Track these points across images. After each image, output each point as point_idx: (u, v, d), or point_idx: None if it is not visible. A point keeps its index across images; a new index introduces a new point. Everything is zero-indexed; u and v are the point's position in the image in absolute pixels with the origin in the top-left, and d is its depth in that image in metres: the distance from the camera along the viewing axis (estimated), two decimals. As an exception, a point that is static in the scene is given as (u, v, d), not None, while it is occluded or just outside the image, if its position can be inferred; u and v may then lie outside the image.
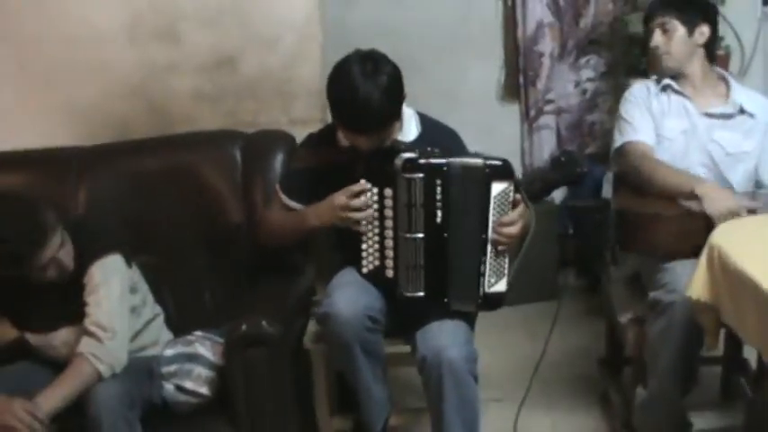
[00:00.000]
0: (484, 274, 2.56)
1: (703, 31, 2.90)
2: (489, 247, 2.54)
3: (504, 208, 2.53)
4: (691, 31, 2.89)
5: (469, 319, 2.65)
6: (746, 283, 2.07)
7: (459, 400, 2.51)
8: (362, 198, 2.54)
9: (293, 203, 2.74)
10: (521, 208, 2.56)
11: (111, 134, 3.30)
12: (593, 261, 3.84)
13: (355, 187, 2.54)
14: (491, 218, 2.52)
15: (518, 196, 2.56)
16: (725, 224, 2.46)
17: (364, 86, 2.45)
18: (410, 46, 4.19)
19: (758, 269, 2.07)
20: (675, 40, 2.89)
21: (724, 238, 2.33)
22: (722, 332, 2.46)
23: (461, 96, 4.59)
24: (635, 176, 2.85)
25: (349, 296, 2.49)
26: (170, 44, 3.36)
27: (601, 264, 3.26)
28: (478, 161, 2.51)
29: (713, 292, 2.29)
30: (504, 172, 2.52)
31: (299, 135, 3.01)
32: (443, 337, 2.50)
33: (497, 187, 2.51)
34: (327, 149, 2.70)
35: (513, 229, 2.54)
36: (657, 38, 2.91)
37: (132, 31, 3.35)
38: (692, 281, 2.34)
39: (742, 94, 2.92)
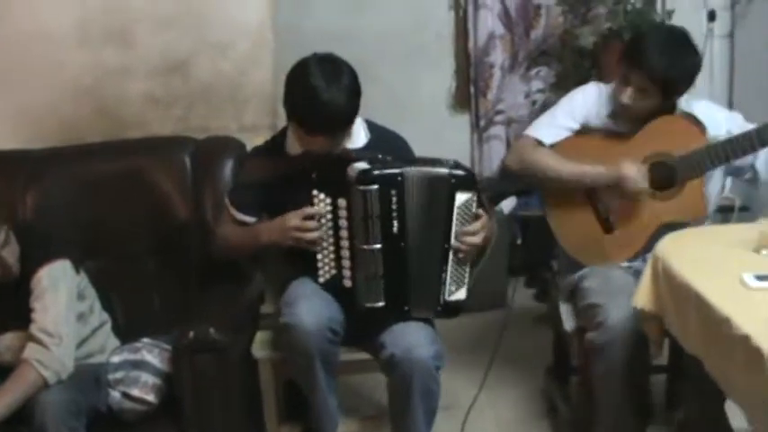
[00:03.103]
0: (445, 283, 2.59)
1: (674, 101, 2.84)
2: (451, 256, 2.57)
3: (466, 218, 2.56)
4: (665, 104, 2.81)
5: (430, 322, 2.67)
6: (689, 293, 2.10)
7: (424, 394, 2.54)
8: (315, 221, 2.54)
9: (244, 217, 2.73)
10: (484, 218, 2.60)
11: (60, 137, 3.27)
12: (542, 271, 3.88)
13: (308, 210, 2.54)
14: (453, 227, 2.55)
15: (480, 210, 2.59)
16: (669, 236, 2.50)
17: (327, 88, 2.45)
18: (362, 54, 4.14)
19: (701, 280, 2.11)
20: (646, 103, 2.77)
21: (668, 249, 2.37)
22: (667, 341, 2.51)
23: (413, 105, 4.62)
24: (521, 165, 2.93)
25: (313, 308, 2.48)
26: (122, 47, 3.35)
27: (549, 273, 3.29)
28: (444, 171, 2.54)
29: (657, 302, 2.33)
30: (468, 182, 2.56)
31: (249, 142, 3.02)
32: (412, 336, 2.53)
33: (461, 198, 2.54)
34: (276, 160, 2.70)
35: (476, 239, 2.58)
36: (630, 95, 2.76)
37: (84, 32, 3.32)
38: (637, 291, 2.39)
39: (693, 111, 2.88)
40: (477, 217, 2.59)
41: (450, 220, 2.55)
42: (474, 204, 2.57)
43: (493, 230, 2.66)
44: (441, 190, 2.54)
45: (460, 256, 2.58)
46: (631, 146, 2.82)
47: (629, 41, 2.87)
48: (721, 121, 2.86)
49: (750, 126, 2.83)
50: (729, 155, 2.72)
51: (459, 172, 2.55)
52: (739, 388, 1.89)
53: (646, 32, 2.82)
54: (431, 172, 2.54)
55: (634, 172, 2.75)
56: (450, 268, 2.58)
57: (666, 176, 2.80)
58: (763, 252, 2.28)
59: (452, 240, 2.56)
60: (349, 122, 2.56)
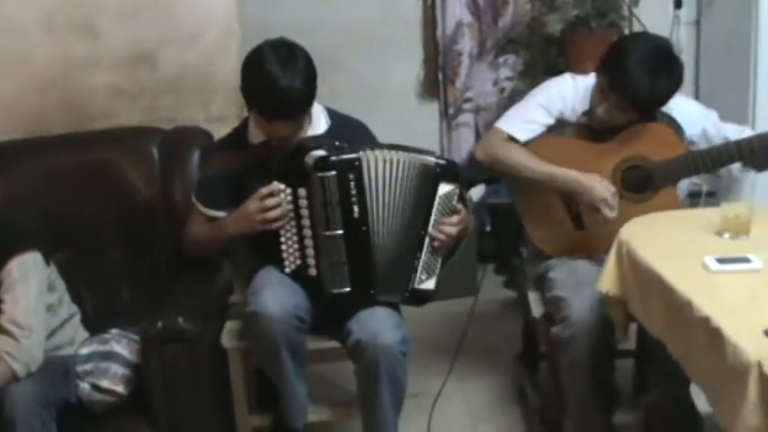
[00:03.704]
0: (416, 270, 2.61)
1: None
2: (426, 244, 2.59)
3: (446, 209, 2.58)
4: (642, 117, 2.79)
5: (396, 307, 2.69)
6: (652, 277, 2.14)
7: (391, 380, 2.55)
8: (275, 198, 2.55)
9: (214, 212, 2.73)
10: (463, 212, 2.62)
11: (26, 129, 3.25)
12: (511, 258, 3.90)
13: (265, 189, 2.55)
14: (433, 216, 2.57)
15: (459, 205, 2.61)
16: (634, 220, 2.52)
17: (284, 73, 2.46)
18: (330, 44, 4.21)
19: (663, 264, 2.14)
20: (623, 118, 2.76)
21: (632, 233, 2.40)
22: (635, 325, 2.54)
23: (381, 94, 4.63)
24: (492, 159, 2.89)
25: (278, 295, 2.49)
26: (88, 38, 3.33)
27: (518, 260, 3.31)
28: (431, 159, 2.56)
29: (622, 286, 2.36)
30: (452, 175, 2.58)
31: (217, 132, 3.01)
32: (377, 321, 2.54)
33: (444, 189, 2.56)
34: (238, 152, 2.71)
35: (454, 230, 2.59)
36: (607, 110, 2.75)
37: (49, 24, 3.30)
38: (602, 275, 2.41)
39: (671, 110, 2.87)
40: (455, 211, 2.60)
41: (431, 208, 2.57)
42: (455, 197, 2.59)
43: (469, 225, 2.67)
44: (425, 178, 2.56)
45: (435, 244, 2.60)
46: (608, 148, 2.83)
47: (610, 56, 2.75)
48: (697, 119, 2.88)
49: (725, 126, 2.87)
50: (709, 166, 2.74)
51: (445, 162, 2.59)
52: (701, 370, 1.91)
53: (628, 51, 2.69)
54: (416, 158, 2.56)
55: (608, 194, 2.74)
56: (424, 256, 2.60)
57: (642, 180, 2.81)
58: (725, 236, 2.32)
59: (430, 229, 2.58)
60: (308, 105, 2.57)
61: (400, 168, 2.55)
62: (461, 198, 2.62)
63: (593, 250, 2.83)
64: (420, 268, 2.61)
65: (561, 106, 2.88)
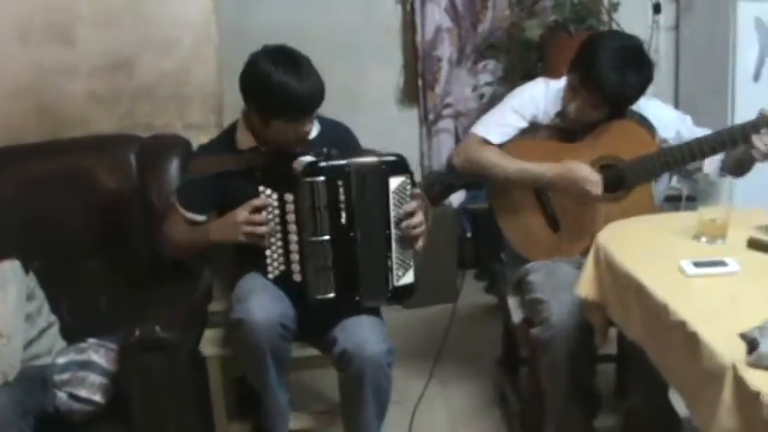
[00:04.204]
0: (392, 269, 2.60)
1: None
2: (394, 241, 2.59)
3: (403, 202, 2.58)
4: (614, 114, 2.81)
5: (380, 315, 2.70)
6: (629, 281, 2.14)
7: (375, 390, 2.56)
8: (264, 213, 2.54)
9: (195, 216, 2.72)
10: (420, 199, 2.63)
11: (2, 137, 3.22)
12: (492, 263, 3.90)
13: (255, 201, 2.54)
14: (392, 212, 2.57)
15: (416, 190, 2.62)
16: (612, 224, 2.53)
17: (297, 78, 2.49)
18: (310, 49, 4.17)
19: (640, 268, 2.15)
20: (594, 116, 2.79)
21: (610, 238, 2.41)
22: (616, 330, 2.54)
23: (361, 100, 4.64)
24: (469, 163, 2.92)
25: (264, 303, 2.47)
26: (64, 45, 3.30)
27: (499, 265, 3.31)
28: (374, 159, 2.56)
29: (600, 290, 2.37)
30: (399, 166, 2.58)
31: (195, 140, 3.00)
32: (364, 331, 2.54)
33: (395, 182, 2.56)
34: (223, 157, 2.70)
35: (417, 218, 2.60)
36: (578, 107, 2.78)
37: (25, 30, 3.27)
38: (580, 279, 2.42)
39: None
40: (413, 197, 2.61)
41: (388, 205, 2.57)
42: (408, 186, 2.59)
43: (429, 207, 2.70)
44: (374, 177, 2.55)
45: (408, 233, 2.59)
46: (580, 148, 2.83)
47: (580, 54, 2.77)
48: (670, 123, 2.89)
49: (698, 129, 2.87)
50: (679, 161, 2.74)
51: (389, 158, 2.57)
52: (677, 373, 1.92)
53: (598, 47, 2.71)
54: (363, 162, 2.55)
55: (587, 171, 2.76)
56: (394, 254, 2.60)
57: (615, 180, 2.82)
58: (702, 240, 2.33)
59: (392, 225, 2.58)
60: (324, 97, 2.59)
61: (360, 173, 2.54)
62: (413, 185, 2.63)
63: (569, 252, 2.84)
64: (395, 265, 2.61)
65: (534, 109, 2.91)
